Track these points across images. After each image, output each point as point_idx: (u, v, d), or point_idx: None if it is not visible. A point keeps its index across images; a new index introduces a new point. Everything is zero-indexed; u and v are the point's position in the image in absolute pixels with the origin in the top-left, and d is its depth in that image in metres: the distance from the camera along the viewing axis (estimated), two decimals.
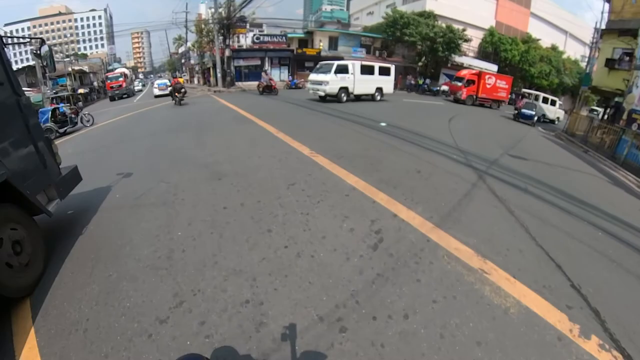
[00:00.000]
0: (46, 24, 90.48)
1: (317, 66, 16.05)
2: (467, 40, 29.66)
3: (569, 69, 43.21)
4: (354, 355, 2.06)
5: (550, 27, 45.14)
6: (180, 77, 24.36)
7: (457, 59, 32.37)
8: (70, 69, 39.02)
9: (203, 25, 28.55)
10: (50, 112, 11.18)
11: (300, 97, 17.46)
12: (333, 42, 31.93)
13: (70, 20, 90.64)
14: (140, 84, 45.68)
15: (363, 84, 16.18)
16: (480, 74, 23.80)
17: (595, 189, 7.29)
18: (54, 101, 16.09)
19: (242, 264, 2.95)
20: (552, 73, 39.82)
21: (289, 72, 28.47)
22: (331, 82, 14.57)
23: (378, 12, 42.69)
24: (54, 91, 26.39)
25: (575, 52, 48.08)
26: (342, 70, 15.04)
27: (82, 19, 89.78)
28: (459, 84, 23.70)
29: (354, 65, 15.63)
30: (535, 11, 42.44)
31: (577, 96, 42.29)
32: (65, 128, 11.54)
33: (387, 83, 18.03)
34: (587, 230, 4.35)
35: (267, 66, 27.67)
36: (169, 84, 23.71)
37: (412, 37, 28.36)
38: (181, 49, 51.85)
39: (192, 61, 42.11)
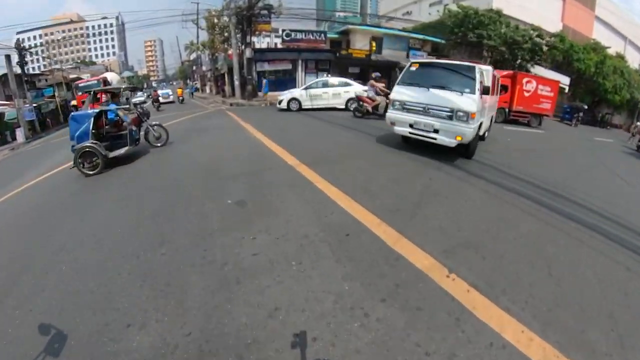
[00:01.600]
0: (58, 32, 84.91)
1: (413, 69, 6.51)
2: (554, 48, 22.02)
3: (637, 81, 35.44)
4: None
5: (611, 32, 37.39)
6: (179, 88, 26.43)
7: (531, 69, 24.68)
8: (62, 78, 31.98)
9: (216, 20, 21.23)
10: (92, 120, 5.81)
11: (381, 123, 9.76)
12: (376, 44, 24.44)
13: (81, 28, 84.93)
14: (145, 94, 35.80)
15: (487, 113, 7.48)
16: (515, 77, 15.46)
17: None
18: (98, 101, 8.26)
19: None
20: (625, 87, 32.29)
21: None
22: (478, 113, 5.67)
23: (418, 12, 35.44)
24: (34, 104, 19.23)
25: (632, 59, 40.26)
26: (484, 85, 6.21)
27: (93, 27, 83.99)
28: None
29: (487, 75, 6.75)
30: (599, 14, 34.90)
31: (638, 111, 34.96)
32: (121, 150, 6.20)
33: (495, 107, 9.56)
34: None
35: (299, 69, 19.96)
36: (171, 93, 26.28)
37: (492, 40, 20.74)
38: (192, 56, 45.03)
39: (203, 67, 34.97)
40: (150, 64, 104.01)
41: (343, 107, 12.59)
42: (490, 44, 21.02)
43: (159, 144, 7.48)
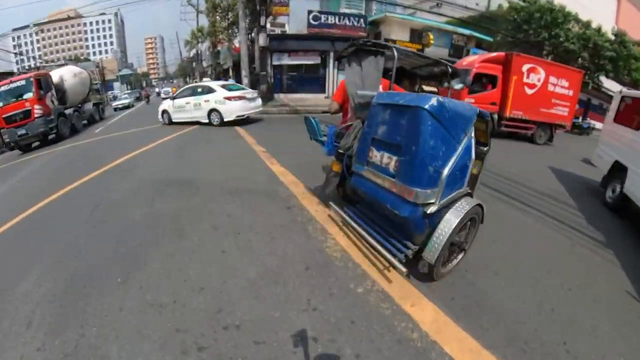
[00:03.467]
0: (54, 29, 78.66)
1: None
2: (636, 58, 16.88)
3: None
4: None
5: None
6: (174, 87, 26.33)
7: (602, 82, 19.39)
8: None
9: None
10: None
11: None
12: (415, 38, 19.34)
13: (79, 25, 78.72)
14: (132, 96, 27.25)
15: None
16: (508, 62, 9.18)
17: None
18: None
19: None
20: None
21: None
22: None
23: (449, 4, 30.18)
24: None
25: None
26: None
27: (91, 23, 77.81)
28: (458, 86, 8.88)
29: None
30: None
31: None
32: None
33: None
34: None
35: (330, 65, 14.55)
36: (170, 90, 26.25)
37: (569, 43, 15.65)
38: (192, 52, 39.66)
39: (204, 63, 29.55)
40: (151, 61, 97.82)
41: (206, 121, 9.32)
42: (569, 48, 15.76)
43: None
